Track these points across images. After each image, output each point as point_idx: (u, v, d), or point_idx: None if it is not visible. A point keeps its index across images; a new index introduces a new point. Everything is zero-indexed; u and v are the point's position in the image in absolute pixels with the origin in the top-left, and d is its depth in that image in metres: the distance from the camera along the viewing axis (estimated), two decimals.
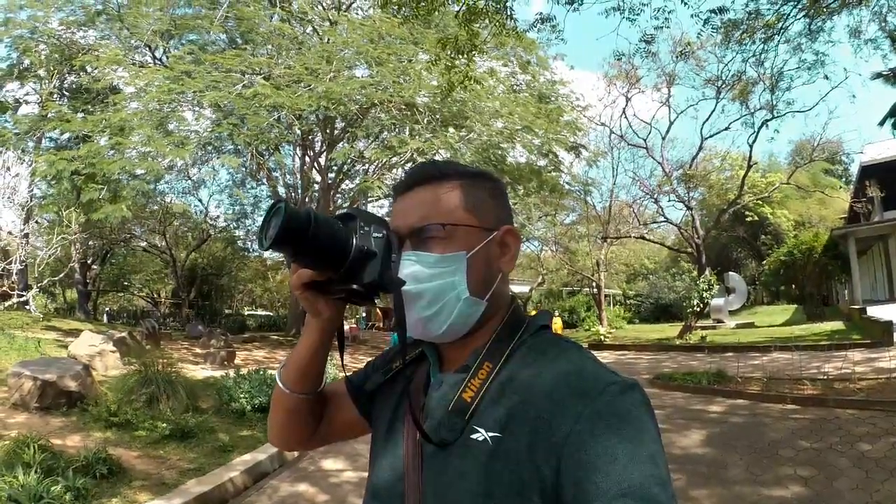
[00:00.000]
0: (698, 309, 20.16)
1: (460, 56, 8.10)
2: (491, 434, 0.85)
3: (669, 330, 22.79)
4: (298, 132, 16.69)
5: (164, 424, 6.77)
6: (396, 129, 14.64)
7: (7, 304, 12.52)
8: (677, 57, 20.55)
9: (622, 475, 0.73)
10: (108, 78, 14.72)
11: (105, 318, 28.06)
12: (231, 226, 28.49)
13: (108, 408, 6.85)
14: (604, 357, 17.71)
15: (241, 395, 8.10)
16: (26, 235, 14.62)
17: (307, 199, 23.07)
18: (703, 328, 20.97)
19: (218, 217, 28.67)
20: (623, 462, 0.74)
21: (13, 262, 12.56)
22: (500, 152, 15.33)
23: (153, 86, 13.33)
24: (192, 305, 29.96)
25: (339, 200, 25.83)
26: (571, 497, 0.76)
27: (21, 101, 17.87)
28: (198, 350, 15.27)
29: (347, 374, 1.19)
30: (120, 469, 5.43)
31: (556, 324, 20.32)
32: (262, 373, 9.00)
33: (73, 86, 17.78)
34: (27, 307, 13.77)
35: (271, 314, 38.21)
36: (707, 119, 25.75)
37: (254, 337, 22.10)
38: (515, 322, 0.99)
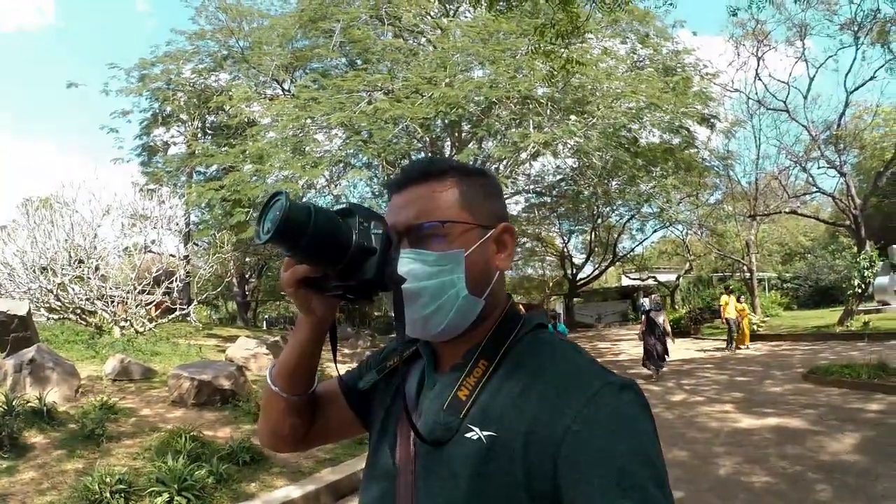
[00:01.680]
0: (860, 290, 17.86)
1: (560, 40, 7.80)
2: (485, 433, 0.85)
3: (830, 316, 20.60)
4: (427, 139, 17.02)
5: None
6: (519, 124, 14.48)
7: (171, 317, 13.88)
8: (803, 3, 18.67)
9: (620, 476, 0.73)
10: (243, 114, 15.83)
11: (264, 325, 30.06)
12: None
13: (258, 403, 7.39)
14: (756, 349, 16.47)
15: None
16: (186, 257, 16.32)
17: None
18: (867, 312, 18.55)
19: None
20: (621, 463, 0.74)
21: (175, 281, 13.91)
22: (629, 134, 14.79)
23: (284, 115, 14.10)
24: (343, 310, 31.58)
25: None
26: (569, 499, 0.75)
27: (169, 143, 19.76)
28: (346, 350, 16.09)
29: (340, 373, 1.17)
30: (262, 457, 5.92)
31: (745, 310, 17.97)
32: None
33: (214, 124, 19.22)
34: (189, 319, 15.05)
35: None
36: (849, 70, 23.13)
37: None
38: (511, 320, 0.98)
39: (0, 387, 6.85)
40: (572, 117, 14.02)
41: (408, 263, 0.91)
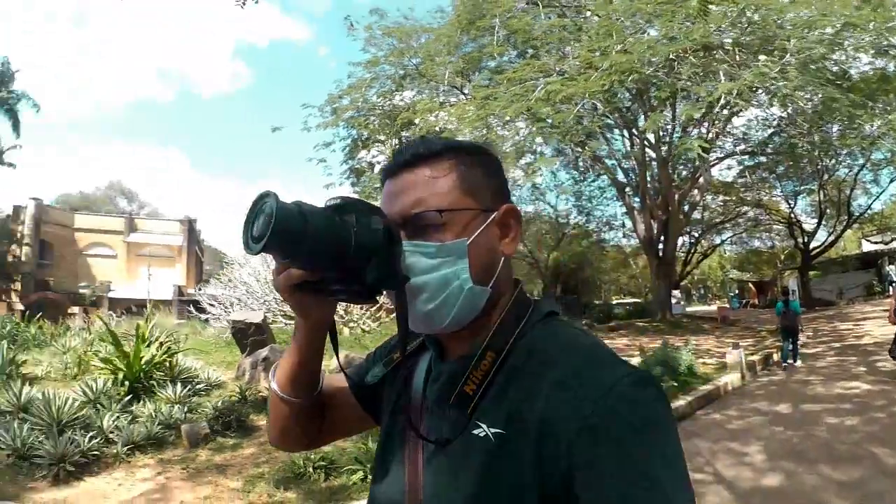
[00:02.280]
0: None
1: None
2: (493, 430, 0.82)
3: None
4: (616, 113, 16.57)
5: None
6: (704, 78, 13.50)
7: (392, 316, 15.21)
8: None
9: (637, 479, 0.70)
10: (429, 124, 16.61)
11: None
12: (582, 221, 30.72)
13: None
14: None
15: None
16: None
17: (647, 178, 22.80)
18: None
19: (569, 214, 31.01)
20: (638, 465, 0.71)
21: None
22: (834, 66, 13.11)
23: (465, 117, 14.58)
24: (560, 300, 31.88)
25: (683, 172, 24.91)
26: (584, 501, 0.72)
27: (373, 162, 21.23)
28: None
29: (346, 370, 1.14)
30: None
31: None
32: None
33: (409, 139, 20.37)
34: None
35: (640, 301, 37.75)
36: None
37: (619, 325, 22.65)
38: (520, 309, 0.93)
39: (238, 381, 8.14)
40: (762, 57, 12.77)
41: (407, 257, 0.87)
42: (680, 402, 8.50)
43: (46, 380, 8.26)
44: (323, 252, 0.80)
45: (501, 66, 17.18)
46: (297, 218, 0.76)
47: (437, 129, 16.93)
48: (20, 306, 24.86)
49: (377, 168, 20.96)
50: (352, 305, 13.72)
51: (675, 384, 9.44)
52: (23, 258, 31.19)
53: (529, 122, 14.60)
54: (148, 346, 7.66)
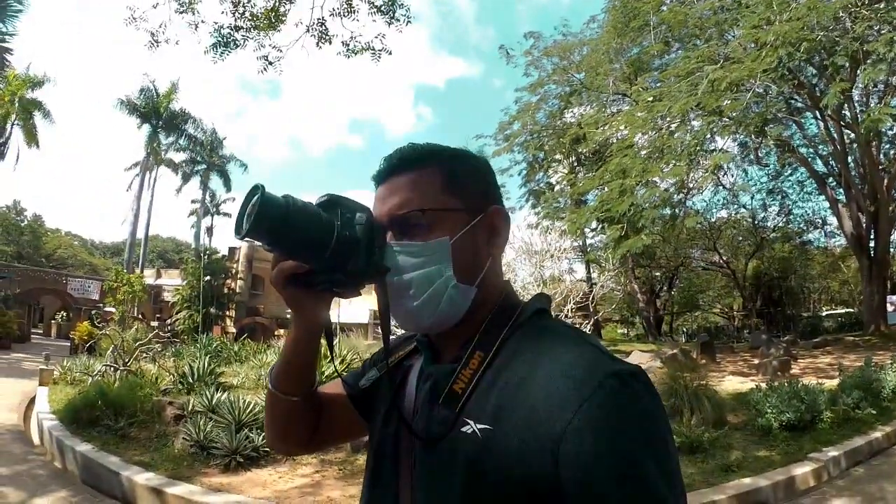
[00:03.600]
0: None
1: None
2: (480, 426, 0.82)
3: None
4: (805, 93, 15.38)
5: (675, 438, 7.51)
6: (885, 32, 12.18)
7: None
8: None
9: (626, 475, 0.70)
10: (597, 137, 16.16)
11: (683, 339, 29.59)
12: (781, 222, 27.80)
13: None
14: None
15: (769, 410, 7.42)
16: (589, 279, 18.57)
17: (849, 163, 20.82)
18: None
19: (764, 217, 28.26)
20: (627, 461, 0.71)
21: (569, 302, 15.55)
22: None
23: (632, 124, 14.13)
24: (761, 314, 29.23)
25: (892, 151, 22.37)
26: (571, 496, 0.72)
27: (552, 183, 21.37)
28: (755, 361, 14.46)
29: (343, 373, 1.17)
30: None
31: None
32: (795, 384, 8.11)
33: (585, 155, 19.98)
34: None
35: (852, 311, 32.95)
36: None
37: (826, 341, 19.40)
38: (509, 308, 0.95)
39: None
40: None
41: (394, 256, 0.90)
42: (876, 435, 7.22)
43: (241, 388, 9.63)
44: (305, 241, 0.85)
45: (667, 64, 16.51)
46: (281, 208, 0.82)
47: (608, 140, 16.84)
48: (232, 329, 29.83)
49: (556, 188, 21.06)
50: None
51: (874, 412, 7.98)
52: (237, 290, 36.16)
53: (701, 117, 14.06)
54: (330, 361, 8.45)
